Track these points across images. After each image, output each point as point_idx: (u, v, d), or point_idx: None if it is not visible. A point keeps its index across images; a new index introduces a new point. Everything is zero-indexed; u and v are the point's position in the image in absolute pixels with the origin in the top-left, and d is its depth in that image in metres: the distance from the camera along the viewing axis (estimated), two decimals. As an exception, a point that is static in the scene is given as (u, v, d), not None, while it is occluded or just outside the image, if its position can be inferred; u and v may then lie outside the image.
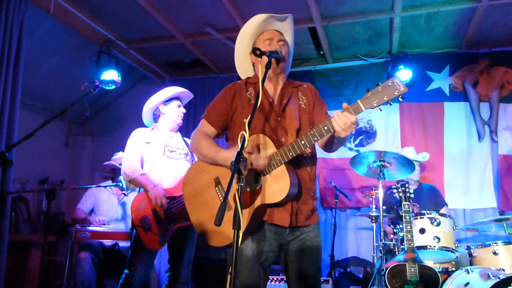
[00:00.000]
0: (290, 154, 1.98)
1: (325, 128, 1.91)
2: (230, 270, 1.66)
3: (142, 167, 3.37)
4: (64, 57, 5.59)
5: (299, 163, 2.15)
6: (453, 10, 4.45)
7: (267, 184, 2.02)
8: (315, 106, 2.29)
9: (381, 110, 1.84)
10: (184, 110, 3.60)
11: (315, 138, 1.94)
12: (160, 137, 3.44)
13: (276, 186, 2.00)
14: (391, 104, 1.81)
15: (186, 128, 3.97)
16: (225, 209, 1.64)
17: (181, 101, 3.62)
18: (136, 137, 3.44)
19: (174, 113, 3.52)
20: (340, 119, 1.84)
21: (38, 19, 4.71)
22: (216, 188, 2.18)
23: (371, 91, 1.81)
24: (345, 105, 1.87)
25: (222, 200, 1.66)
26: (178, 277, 3.27)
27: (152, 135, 3.45)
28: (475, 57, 5.20)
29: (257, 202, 2.01)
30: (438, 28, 4.88)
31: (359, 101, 1.83)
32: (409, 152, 4.55)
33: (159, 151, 3.37)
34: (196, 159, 3.49)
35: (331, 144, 2.17)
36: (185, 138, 3.60)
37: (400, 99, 1.81)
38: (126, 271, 3.18)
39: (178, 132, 3.62)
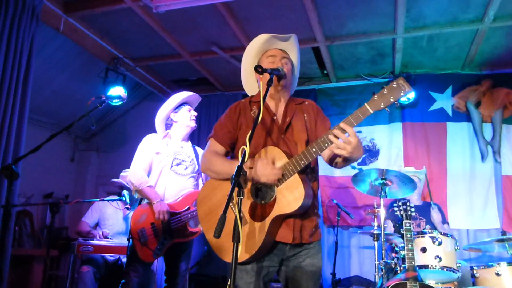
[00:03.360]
0: (303, 162, 1.98)
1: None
2: (229, 283, 1.68)
3: (148, 175, 3.41)
4: (72, 74, 5.70)
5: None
6: (455, 32, 4.51)
7: (281, 194, 2.02)
8: (317, 122, 2.32)
9: (388, 111, 1.88)
10: (195, 113, 3.61)
11: (326, 145, 1.96)
12: (170, 147, 3.46)
13: (291, 195, 1.99)
14: (397, 105, 1.86)
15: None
16: (224, 221, 1.66)
17: (190, 106, 3.64)
18: (147, 145, 3.45)
19: (186, 117, 3.53)
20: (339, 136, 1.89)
21: (48, 37, 4.83)
22: (230, 204, 2.15)
23: (377, 94, 1.86)
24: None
25: (224, 214, 1.67)
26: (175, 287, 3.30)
27: (162, 144, 3.46)
28: (478, 78, 5.24)
29: (273, 213, 2.00)
30: (441, 49, 4.94)
31: (366, 104, 1.88)
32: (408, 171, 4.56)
33: (167, 163, 3.39)
34: (203, 176, 3.55)
35: (335, 158, 2.19)
36: (196, 148, 3.63)
37: (396, 105, 1.86)
38: (122, 280, 3.22)
39: (189, 141, 3.63)
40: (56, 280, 5.53)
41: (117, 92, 4.35)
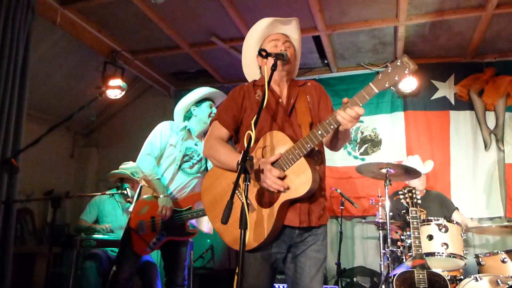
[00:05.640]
0: (308, 145, 1.94)
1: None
2: (237, 271, 1.65)
3: (159, 165, 3.36)
4: (70, 68, 5.63)
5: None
6: (457, 19, 4.46)
7: (288, 179, 1.98)
8: (320, 103, 2.28)
9: (393, 90, 1.85)
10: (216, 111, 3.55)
11: (332, 127, 1.91)
12: (184, 143, 3.39)
13: (299, 180, 1.96)
14: (401, 87, 1.79)
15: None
16: (231, 207, 1.62)
17: (213, 102, 3.55)
18: (163, 132, 3.36)
19: (206, 114, 3.43)
20: (348, 114, 1.83)
21: (45, 30, 4.77)
22: (236, 191, 2.11)
23: (381, 73, 1.81)
24: (345, 99, 1.86)
25: (231, 200, 1.64)
26: (174, 281, 3.30)
27: (179, 137, 3.38)
28: (480, 66, 5.20)
29: (281, 199, 1.97)
30: (443, 37, 4.89)
31: (371, 84, 1.82)
32: (414, 161, 4.53)
33: (177, 159, 3.33)
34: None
35: (336, 139, 2.15)
36: None
37: (392, 90, 1.82)
38: (114, 268, 3.22)
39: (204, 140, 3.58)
40: (59, 276, 5.51)
41: (116, 83, 4.30)
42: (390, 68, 1.79)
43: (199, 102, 3.46)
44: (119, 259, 3.27)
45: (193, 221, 3.44)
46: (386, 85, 1.79)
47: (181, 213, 3.25)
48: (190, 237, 3.36)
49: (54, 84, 5.72)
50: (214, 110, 3.49)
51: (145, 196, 3.30)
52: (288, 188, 1.96)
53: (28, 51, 3.85)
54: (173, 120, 3.55)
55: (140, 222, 3.21)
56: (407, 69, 1.76)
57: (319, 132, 1.93)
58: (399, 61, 1.78)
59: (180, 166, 3.34)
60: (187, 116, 3.49)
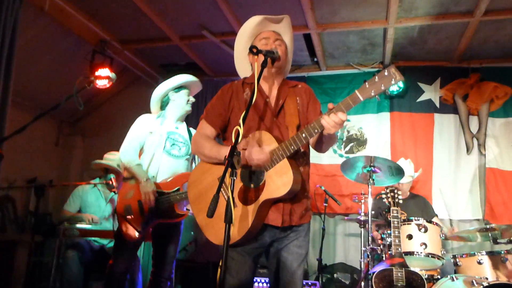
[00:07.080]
0: (292, 147, 1.98)
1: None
2: (220, 264, 1.68)
3: (143, 156, 3.36)
4: (57, 56, 5.55)
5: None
6: (446, 24, 4.54)
7: (270, 179, 2.03)
8: (309, 105, 2.31)
9: (378, 99, 1.89)
10: (193, 99, 3.56)
11: (316, 130, 1.95)
12: (164, 127, 3.40)
13: (280, 180, 2.00)
14: (387, 93, 1.84)
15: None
16: (217, 201, 1.66)
17: (190, 91, 3.58)
18: (140, 124, 3.40)
19: (184, 100, 3.48)
20: (332, 119, 1.87)
21: (32, 17, 4.69)
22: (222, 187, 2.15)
23: (368, 81, 1.85)
24: (330, 105, 1.90)
25: (217, 194, 1.67)
26: (161, 273, 3.28)
27: (156, 124, 3.40)
28: (466, 71, 5.30)
29: (262, 198, 2.01)
30: (431, 41, 4.97)
31: (357, 92, 1.85)
32: (405, 165, 4.59)
33: (160, 144, 3.33)
34: (196, 158, 3.51)
35: (321, 142, 2.18)
36: (191, 129, 3.57)
37: (377, 99, 1.86)
38: (110, 262, 3.23)
39: (184, 122, 3.58)
40: (40, 266, 5.46)
41: (105, 72, 4.26)
42: (377, 78, 1.83)
43: (177, 88, 3.50)
44: (114, 252, 3.27)
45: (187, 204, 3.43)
46: (372, 94, 1.83)
47: (169, 194, 3.22)
48: (180, 219, 3.31)
49: (40, 71, 5.63)
50: (192, 98, 3.55)
51: (130, 180, 3.29)
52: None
53: (15, 37, 3.79)
54: None
55: (126, 206, 3.20)
56: (393, 79, 1.80)
57: (304, 135, 1.97)
58: (386, 71, 1.81)
59: (165, 150, 3.33)
60: (165, 101, 3.51)
